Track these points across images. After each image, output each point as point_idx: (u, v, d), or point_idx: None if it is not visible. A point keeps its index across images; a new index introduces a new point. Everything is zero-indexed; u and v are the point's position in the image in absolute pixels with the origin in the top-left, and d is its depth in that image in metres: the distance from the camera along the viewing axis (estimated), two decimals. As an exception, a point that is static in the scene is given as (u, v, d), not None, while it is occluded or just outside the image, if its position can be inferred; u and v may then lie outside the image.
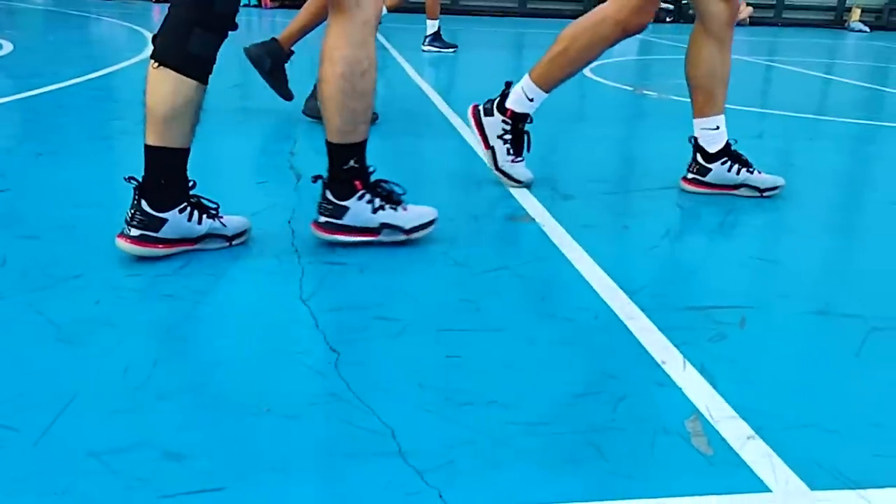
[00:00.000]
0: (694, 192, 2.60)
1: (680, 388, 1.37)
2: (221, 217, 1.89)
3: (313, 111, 3.42)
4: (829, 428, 1.28)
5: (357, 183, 1.91)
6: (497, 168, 2.53)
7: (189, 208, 1.81)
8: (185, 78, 1.72)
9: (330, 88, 1.83)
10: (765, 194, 2.59)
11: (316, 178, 1.94)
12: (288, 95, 3.54)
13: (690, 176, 2.62)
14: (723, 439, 1.23)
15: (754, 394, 1.37)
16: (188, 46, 1.71)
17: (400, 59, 5.97)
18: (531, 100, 2.46)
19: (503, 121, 2.48)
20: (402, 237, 1.98)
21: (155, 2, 10.80)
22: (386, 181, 1.98)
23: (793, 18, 14.38)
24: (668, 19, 12.60)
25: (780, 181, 2.61)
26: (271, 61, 3.45)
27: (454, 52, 6.84)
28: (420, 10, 6.66)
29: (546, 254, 2.02)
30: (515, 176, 2.54)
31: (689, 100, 2.60)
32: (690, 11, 12.06)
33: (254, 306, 1.65)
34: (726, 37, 2.49)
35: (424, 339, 1.52)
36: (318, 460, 1.14)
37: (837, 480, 1.14)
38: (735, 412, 1.30)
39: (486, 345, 1.51)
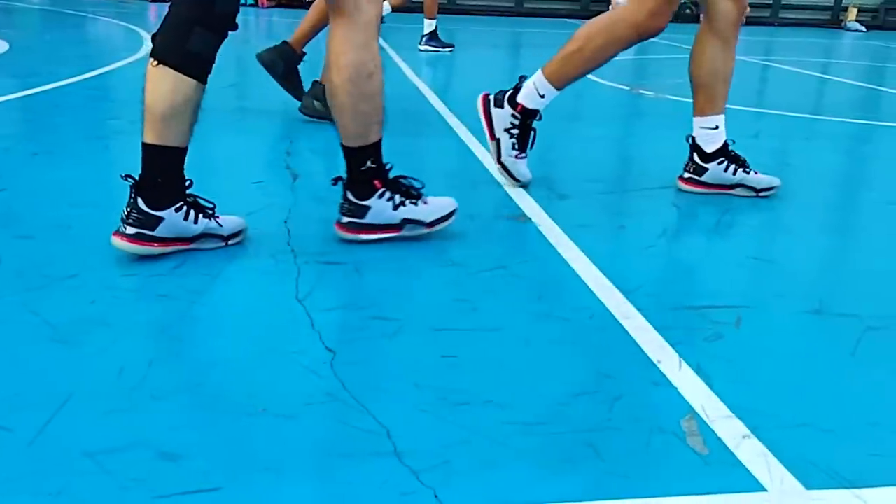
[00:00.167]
0: (690, 192, 2.60)
1: (676, 388, 1.37)
2: (217, 217, 1.88)
3: (310, 109, 3.43)
4: (824, 427, 1.28)
5: (376, 182, 1.94)
6: (499, 161, 2.53)
7: (185, 207, 1.81)
8: (184, 77, 1.72)
9: (340, 96, 1.86)
10: (761, 194, 2.59)
11: (336, 180, 1.97)
12: (302, 97, 3.54)
13: (687, 175, 2.62)
14: (718, 439, 1.23)
15: (750, 393, 1.37)
16: (188, 45, 1.71)
17: (397, 59, 5.96)
18: (542, 96, 2.45)
19: (512, 115, 2.47)
20: (424, 231, 2.01)
21: (152, 1, 10.78)
22: (404, 177, 2.01)
23: (789, 18, 14.39)
24: (687, 11, 12.19)
25: (776, 181, 2.62)
26: (284, 64, 3.46)
27: (451, 51, 6.84)
28: (417, 9, 6.66)
29: (542, 253, 2.02)
30: (515, 174, 2.53)
31: (685, 99, 2.60)
32: (688, 11, 11.99)
33: (250, 306, 1.65)
34: (731, 36, 2.49)
35: (420, 339, 1.52)
36: (314, 460, 1.14)
37: (833, 480, 1.14)
38: (731, 412, 1.30)
39: (482, 344, 1.51)
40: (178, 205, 1.79)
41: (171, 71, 1.72)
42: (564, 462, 1.16)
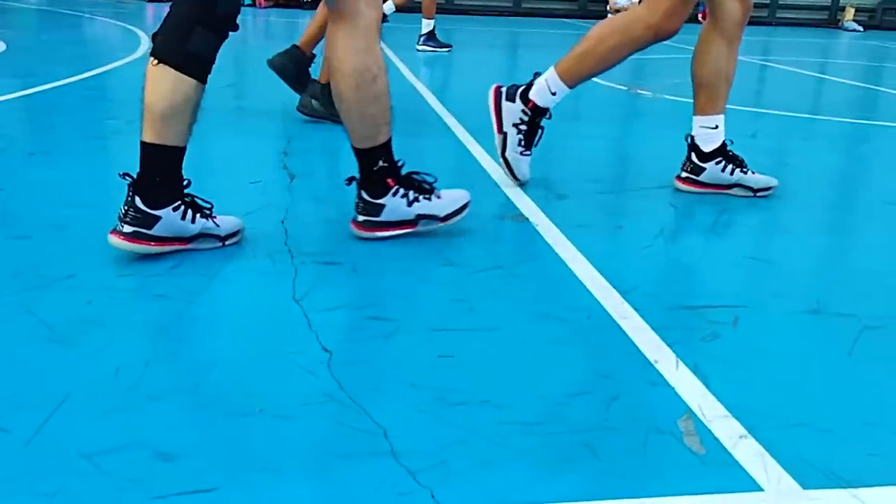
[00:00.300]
0: (688, 192, 2.60)
1: (672, 388, 1.38)
2: (215, 217, 1.88)
3: (308, 109, 3.43)
4: (821, 427, 1.28)
5: (389, 180, 1.97)
6: (503, 155, 2.53)
7: (183, 207, 1.81)
8: (184, 76, 1.72)
9: (347, 101, 1.89)
10: (758, 194, 2.59)
11: (350, 181, 2.00)
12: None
13: (684, 175, 2.62)
14: (715, 438, 1.23)
15: (747, 393, 1.37)
16: (189, 45, 1.72)
17: (394, 59, 5.96)
18: (554, 94, 2.44)
19: (523, 110, 2.47)
20: (439, 225, 2.04)
21: (149, 1, 10.77)
22: (417, 172, 2.04)
23: (787, 18, 14.39)
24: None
25: (773, 182, 2.62)
26: (295, 67, 3.47)
27: (449, 51, 6.84)
28: (415, 9, 6.66)
29: (540, 253, 2.02)
30: (515, 171, 2.53)
31: (683, 99, 2.61)
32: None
33: (247, 306, 1.65)
34: (735, 36, 2.49)
35: (418, 339, 1.52)
36: (311, 460, 1.14)
37: (829, 479, 1.14)
38: (727, 411, 1.30)
39: (479, 344, 1.51)
40: (175, 204, 1.79)
41: (172, 70, 1.72)
42: (561, 462, 1.16)
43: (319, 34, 3.45)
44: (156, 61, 1.73)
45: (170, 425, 1.20)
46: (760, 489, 1.12)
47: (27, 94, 3.77)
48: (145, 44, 5.92)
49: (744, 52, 2.54)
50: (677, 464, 1.17)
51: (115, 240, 1.76)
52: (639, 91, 4.99)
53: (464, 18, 11.74)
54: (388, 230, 2.00)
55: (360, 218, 2.00)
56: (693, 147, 2.59)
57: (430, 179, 2.05)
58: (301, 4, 11.78)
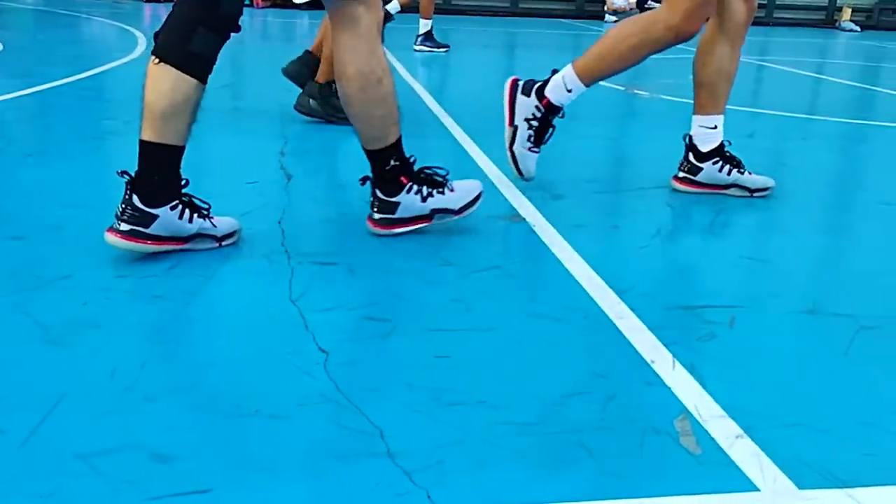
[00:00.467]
0: (685, 192, 2.60)
1: (669, 388, 1.37)
2: (212, 217, 1.88)
3: (305, 108, 3.43)
4: (817, 427, 1.28)
5: (403, 178, 2.00)
6: (510, 148, 2.52)
7: (181, 206, 1.80)
8: (185, 75, 1.73)
9: (354, 105, 1.92)
10: (755, 195, 2.59)
11: (364, 181, 2.03)
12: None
13: (682, 175, 2.62)
14: (711, 439, 1.23)
15: (743, 393, 1.37)
16: (190, 45, 1.72)
17: (392, 59, 5.95)
18: (569, 91, 2.43)
19: (536, 106, 2.46)
20: (454, 217, 2.08)
21: (146, 1, 10.76)
22: (429, 167, 2.06)
23: (784, 18, 14.41)
24: None
25: (770, 182, 2.62)
26: (309, 73, 3.49)
27: (446, 51, 6.84)
28: (412, 9, 6.66)
29: (536, 253, 2.02)
30: (521, 166, 2.52)
31: (680, 99, 2.61)
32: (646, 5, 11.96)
33: (243, 307, 1.64)
34: (739, 37, 2.49)
35: (414, 340, 1.52)
36: (307, 461, 1.13)
37: (826, 479, 1.14)
38: (724, 411, 1.30)
39: (475, 345, 1.51)
40: (173, 203, 1.79)
41: (172, 69, 1.72)
42: (558, 462, 1.16)
43: None
44: (157, 60, 1.73)
45: (166, 426, 1.20)
46: (757, 489, 1.12)
47: (23, 95, 3.76)
48: (142, 44, 5.91)
49: (741, 52, 2.54)
50: (674, 464, 1.17)
51: (111, 238, 1.76)
52: (636, 91, 4.99)
53: (461, 18, 11.75)
54: (404, 226, 2.04)
55: (377, 216, 2.03)
56: (691, 147, 2.59)
57: (441, 172, 2.08)
58: (298, 5, 11.77)
